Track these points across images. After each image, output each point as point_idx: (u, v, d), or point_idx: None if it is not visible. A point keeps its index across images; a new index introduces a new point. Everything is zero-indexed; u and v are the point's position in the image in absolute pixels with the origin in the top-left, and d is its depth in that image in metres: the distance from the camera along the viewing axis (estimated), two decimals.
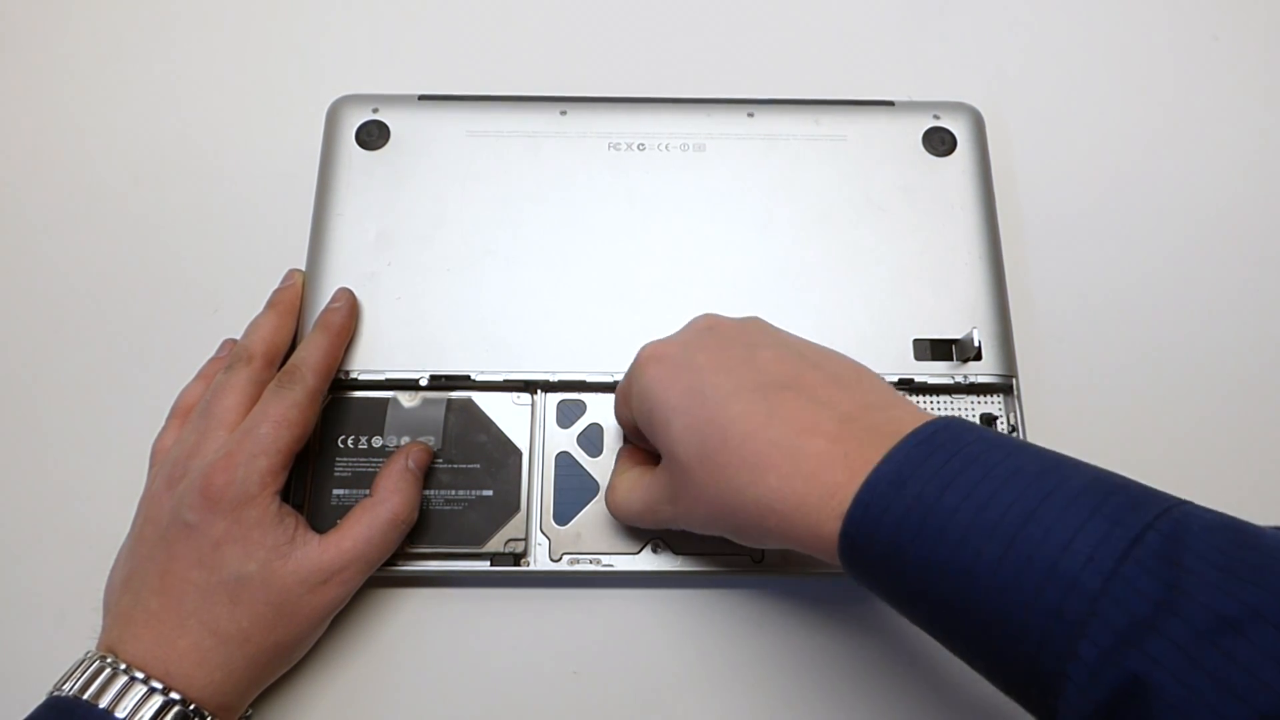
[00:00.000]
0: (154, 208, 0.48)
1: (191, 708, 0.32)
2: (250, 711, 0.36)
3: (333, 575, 0.35)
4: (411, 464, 0.38)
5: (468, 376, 0.41)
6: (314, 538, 0.35)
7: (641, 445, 0.39)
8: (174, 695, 0.32)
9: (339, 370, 0.40)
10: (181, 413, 0.40)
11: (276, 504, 0.35)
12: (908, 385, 0.41)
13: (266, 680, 0.35)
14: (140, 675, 0.32)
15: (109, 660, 0.32)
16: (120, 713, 0.31)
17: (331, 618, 0.36)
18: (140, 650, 0.32)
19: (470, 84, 0.48)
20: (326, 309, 0.40)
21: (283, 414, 0.36)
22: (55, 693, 0.32)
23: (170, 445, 0.38)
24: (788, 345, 0.34)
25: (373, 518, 0.36)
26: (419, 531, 0.39)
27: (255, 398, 0.37)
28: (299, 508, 0.39)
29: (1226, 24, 0.53)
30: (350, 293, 0.41)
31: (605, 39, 0.52)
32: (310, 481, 0.39)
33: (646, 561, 0.39)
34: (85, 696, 0.31)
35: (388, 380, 0.41)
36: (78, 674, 0.32)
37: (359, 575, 0.36)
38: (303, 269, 0.43)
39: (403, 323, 0.41)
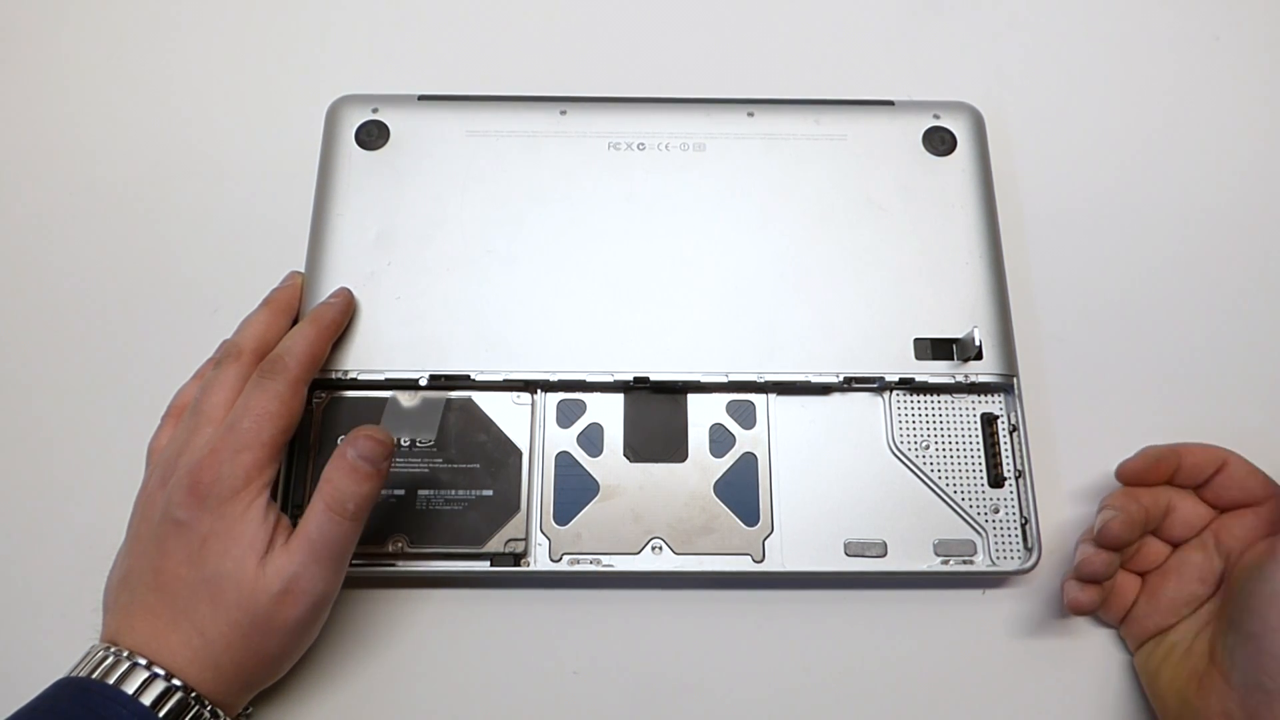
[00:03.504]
0: (154, 208, 0.48)
1: (193, 695, 0.32)
2: (250, 709, 0.36)
3: (287, 578, 0.33)
4: (351, 453, 0.35)
5: (467, 376, 0.41)
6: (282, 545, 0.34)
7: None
8: (175, 682, 0.32)
9: (339, 370, 0.40)
10: (176, 412, 0.39)
11: (264, 500, 0.34)
12: (908, 385, 0.41)
13: (258, 686, 0.35)
14: (143, 661, 0.32)
15: (112, 649, 0.32)
16: (128, 690, 0.31)
17: (312, 630, 0.35)
18: (138, 641, 0.33)
19: (470, 84, 0.48)
20: (320, 303, 0.40)
21: (264, 406, 0.35)
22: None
23: (165, 444, 0.38)
24: None
25: (310, 511, 0.34)
26: (419, 531, 0.39)
27: None
28: (299, 508, 0.39)
29: (1227, 24, 0.53)
30: (348, 291, 0.41)
31: (605, 39, 0.52)
32: (310, 482, 0.39)
33: (646, 561, 0.39)
34: (94, 677, 0.31)
35: (387, 380, 0.41)
36: (83, 663, 0.32)
37: (317, 580, 0.34)
38: (303, 271, 0.43)
39: (402, 323, 0.41)
